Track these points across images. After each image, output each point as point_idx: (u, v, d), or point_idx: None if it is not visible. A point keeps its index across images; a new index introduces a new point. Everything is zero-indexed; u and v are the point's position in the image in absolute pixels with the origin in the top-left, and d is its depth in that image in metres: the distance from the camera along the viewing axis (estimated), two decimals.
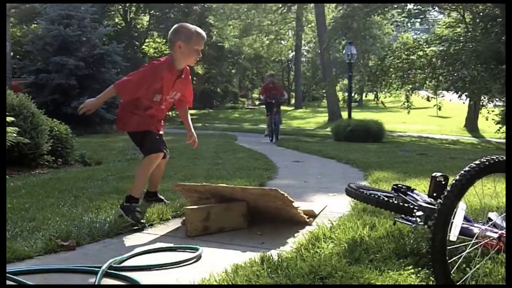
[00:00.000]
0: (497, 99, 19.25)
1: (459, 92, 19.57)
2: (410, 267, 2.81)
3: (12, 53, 19.07)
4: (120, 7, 35.04)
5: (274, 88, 14.90)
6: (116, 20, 35.10)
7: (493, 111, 21.10)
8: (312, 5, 34.05)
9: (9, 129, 6.23)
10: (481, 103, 21.63)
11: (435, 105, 24.78)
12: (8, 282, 2.69)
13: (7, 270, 2.84)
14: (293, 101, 48.00)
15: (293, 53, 47.25)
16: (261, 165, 7.86)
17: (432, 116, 33.00)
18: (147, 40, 37.05)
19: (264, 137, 15.34)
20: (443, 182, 3.21)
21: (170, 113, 26.70)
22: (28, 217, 4.07)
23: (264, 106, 16.26)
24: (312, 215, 4.27)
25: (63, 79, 15.90)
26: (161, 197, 4.77)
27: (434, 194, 3.18)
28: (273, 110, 14.31)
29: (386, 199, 3.27)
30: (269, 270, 2.81)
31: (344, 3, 23.06)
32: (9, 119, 6.33)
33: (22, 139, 6.55)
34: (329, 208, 4.62)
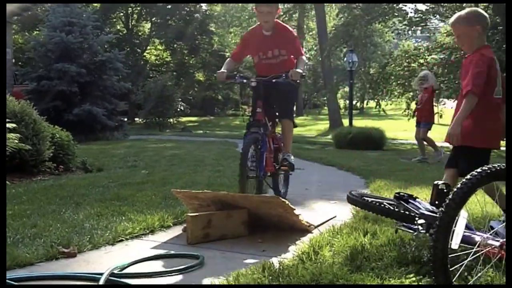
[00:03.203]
0: None
1: None
2: (412, 275, 2.81)
3: (14, 60, 19.08)
4: (122, 14, 35.14)
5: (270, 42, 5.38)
6: (118, 27, 35.19)
7: None
8: (313, 12, 34.15)
9: (10, 135, 6.23)
10: None
11: (436, 113, 24.78)
12: None
13: (8, 277, 2.84)
14: (294, 108, 47.99)
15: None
16: None
17: (433, 124, 32.95)
18: (148, 47, 37.13)
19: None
20: (445, 190, 3.21)
21: (171, 120, 26.72)
22: (30, 223, 4.07)
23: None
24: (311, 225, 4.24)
25: (65, 86, 15.92)
26: None
27: (436, 202, 3.18)
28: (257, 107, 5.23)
29: (388, 207, 3.26)
30: (270, 278, 2.81)
31: (347, 3, 23.04)
32: (10, 125, 6.33)
33: (24, 145, 6.54)
34: (330, 216, 4.61)
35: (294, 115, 5.71)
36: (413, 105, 20.01)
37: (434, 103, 23.29)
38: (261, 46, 5.28)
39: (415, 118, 10.87)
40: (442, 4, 19.97)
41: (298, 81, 5.10)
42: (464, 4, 19.59)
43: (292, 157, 5.39)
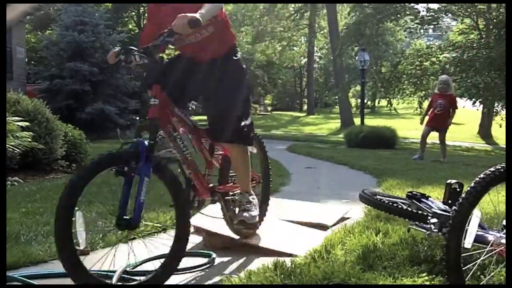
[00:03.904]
0: None
1: (473, 99, 19.47)
2: (424, 274, 2.80)
3: (27, 59, 19.25)
4: (133, 13, 35.27)
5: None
6: (130, 26, 35.34)
7: None
8: (324, 11, 34.07)
9: (23, 133, 6.29)
10: (494, 110, 21.51)
11: None
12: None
13: (21, 274, 2.87)
14: (305, 107, 47.99)
15: (306, 59, 47.29)
16: (273, 171, 7.76)
17: None
18: None
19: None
20: (458, 189, 3.20)
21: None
22: (43, 221, 4.09)
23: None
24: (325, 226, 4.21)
25: (77, 85, 16.04)
26: None
27: (449, 201, 3.17)
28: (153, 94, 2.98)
29: (400, 206, 3.25)
30: (282, 276, 2.81)
31: (359, 2, 23.00)
32: (23, 124, 6.39)
33: (37, 144, 6.60)
34: (342, 215, 4.60)
35: (253, 131, 3.51)
36: (424, 105, 20.05)
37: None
38: (168, 17, 3.03)
39: (426, 118, 10.69)
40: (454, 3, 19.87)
41: (236, 57, 3.33)
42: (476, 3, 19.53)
43: (254, 202, 3.41)
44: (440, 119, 10.28)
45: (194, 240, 3.82)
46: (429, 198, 3.43)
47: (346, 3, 32.28)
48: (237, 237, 3.61)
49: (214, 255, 3.32)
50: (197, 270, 3.12)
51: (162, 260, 3.24)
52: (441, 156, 10.42)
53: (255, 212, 3.30)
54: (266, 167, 4.09)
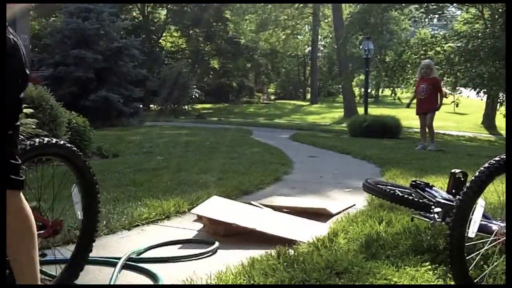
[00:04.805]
0: None
1: (477, 89, 19.40)
2: (427, 263, 2.80)
3: (30, 46, 19.25)
4: None
5: None
6: (134, 14, 35.26)
7: None
8: None
9: (28, 120, 6.29)
10: (499, 100, 21.44)
11: (452, 101, 24.58)
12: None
13: None
14: (309, 96, 47.91)
15: (310, 48, 47.16)
16: (276, 159, 7.85)
17: (449, 113, 32.75)
18: (164, 34, 37.16)
19: None
20: (462, 179, 3.20)
21: (186, 106, 26.78)
22: (46, 207, 4.10)
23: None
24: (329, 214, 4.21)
25: (81, 72, 16.04)
26: None
27: (453, 191, 3.17)
28: None
29: (404, 195, 3.26)
30: (285, 264, 2.82)
31: (359, 3, 22.93)
32: (28, 111, 6.39)
33: (41, 131, 6.59)
34: (345, 204, 4.60)
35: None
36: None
37: (450, 92, 23.26)
38: None
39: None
40: None
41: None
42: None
43: None
44: (426, 103, 10.21)
45: (196, 227, 3.83)
46: (433, 188, 3.43)
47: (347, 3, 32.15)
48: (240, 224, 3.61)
49: (217, 242, 3.33)
50: (201, 258, 3.13)
51: (167, 247, 3.26)
52: (430, 142, 10.34)
53: None
54: (91, 209, 2.78)
